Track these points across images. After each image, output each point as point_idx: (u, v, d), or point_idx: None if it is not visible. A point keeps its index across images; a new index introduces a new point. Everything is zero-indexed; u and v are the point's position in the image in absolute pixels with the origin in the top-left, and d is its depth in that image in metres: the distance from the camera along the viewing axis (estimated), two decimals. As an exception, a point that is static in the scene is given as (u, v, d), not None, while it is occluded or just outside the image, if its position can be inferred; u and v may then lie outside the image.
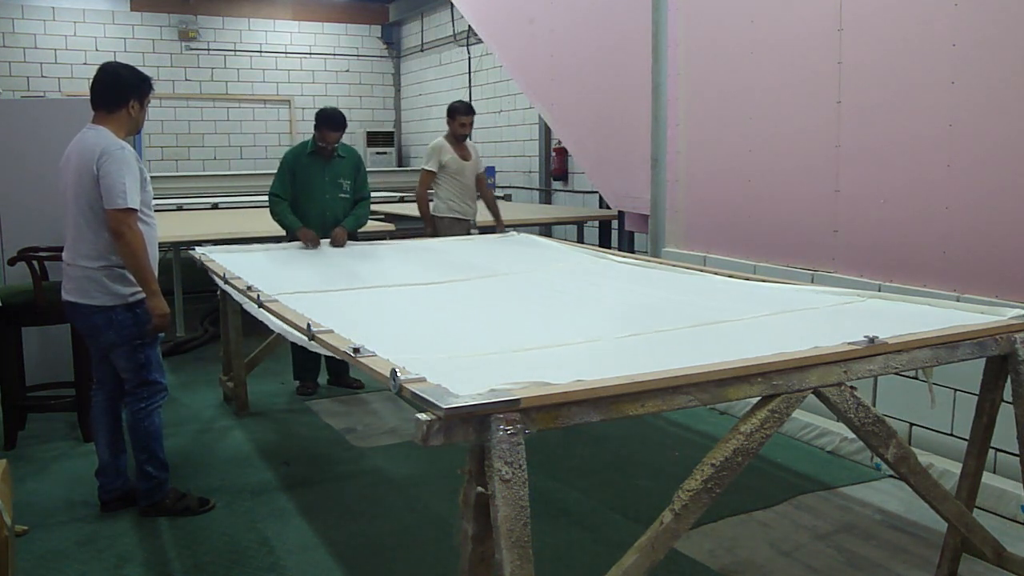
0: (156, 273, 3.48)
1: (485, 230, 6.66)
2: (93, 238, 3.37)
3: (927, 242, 3.91)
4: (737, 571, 3.09)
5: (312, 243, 5.03)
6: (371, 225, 7.22)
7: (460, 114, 6.06)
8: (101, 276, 3.39)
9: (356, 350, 2.31)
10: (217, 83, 12.59)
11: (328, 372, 5.55)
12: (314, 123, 5.19)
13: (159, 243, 3.64)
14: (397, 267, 4.45)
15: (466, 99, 11.48)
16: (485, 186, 6.34)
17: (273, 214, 5.25)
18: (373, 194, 9.69)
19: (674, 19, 5.34)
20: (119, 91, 3.43)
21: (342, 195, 5.25)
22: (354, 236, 5.33)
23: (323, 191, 5.18)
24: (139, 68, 3.56)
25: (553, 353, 2.52)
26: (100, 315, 3.42)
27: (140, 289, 3.41)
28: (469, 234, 6.01)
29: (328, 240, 5.09)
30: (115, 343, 3.46)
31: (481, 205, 6.37)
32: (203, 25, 12.44)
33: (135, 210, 3.32)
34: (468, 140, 6.21)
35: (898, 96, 4.00)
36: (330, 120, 5.12)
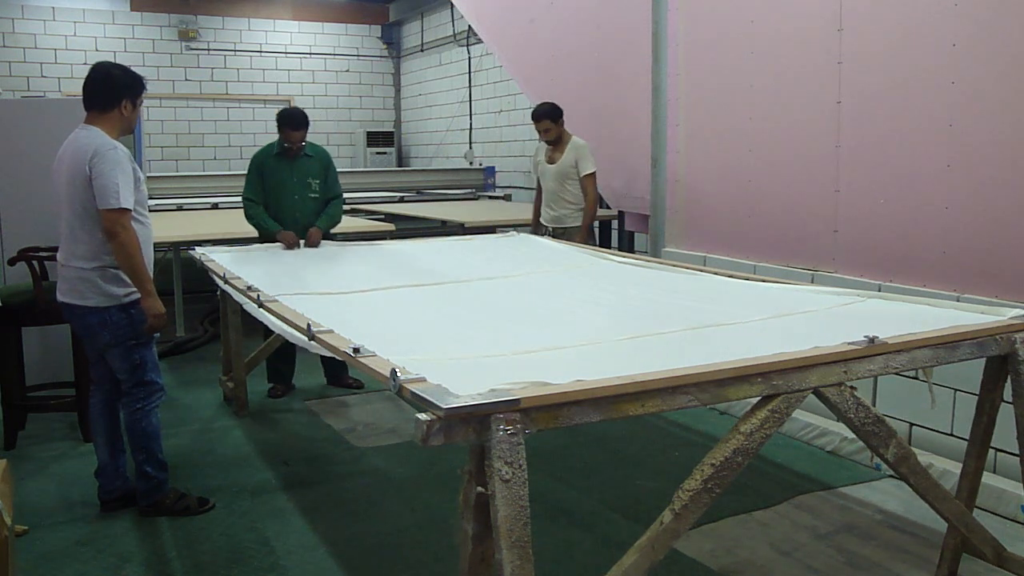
0: (152, 273, 3.48)
1: (486, 230, 6.67)
2: (87, 239, 3.36)
3: (927, 242, 3.91)
4: (737, 571, 3.09)
5: (293, 245, 5.03)
6: (371, 225, 7.24)
7: (533, 119, 5.85)
8: (95, 277, 3.38)
9: (356, 350, 2.31)
10: (217, 83, 12.59)
11: (325, 374, 5.54)
12: (276, 124, 5.15)
13: (155, 243, 3.63)
14: (397, 267, 4.45)
15: (464, 98, 11.51)
16: (589, 189, 5.75)
17: (248, 218, 5.23)
18: (373, 194, 9.73)
19: (674, 19, 5.34)
20: (112, 91, 3.41)
21: (312, 195, 5.20)
22: (328, 235, 5.28)
23: (292, 191, 5.15)
24: (133, 68, 3.54)
25: (553, 353, 2.52)
26: (95, 316, 3.41)
27: (135, 289, 3.39)
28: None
29: (303, 241, 5.08)
30: (110, 344, 3.45)
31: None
32: (203, 25, 12.44)
33: (129, 210, 3.30)
34: (573, 140, 5.79)
35: (898, 96, 4.00)
36: (290, 119, 5.09)
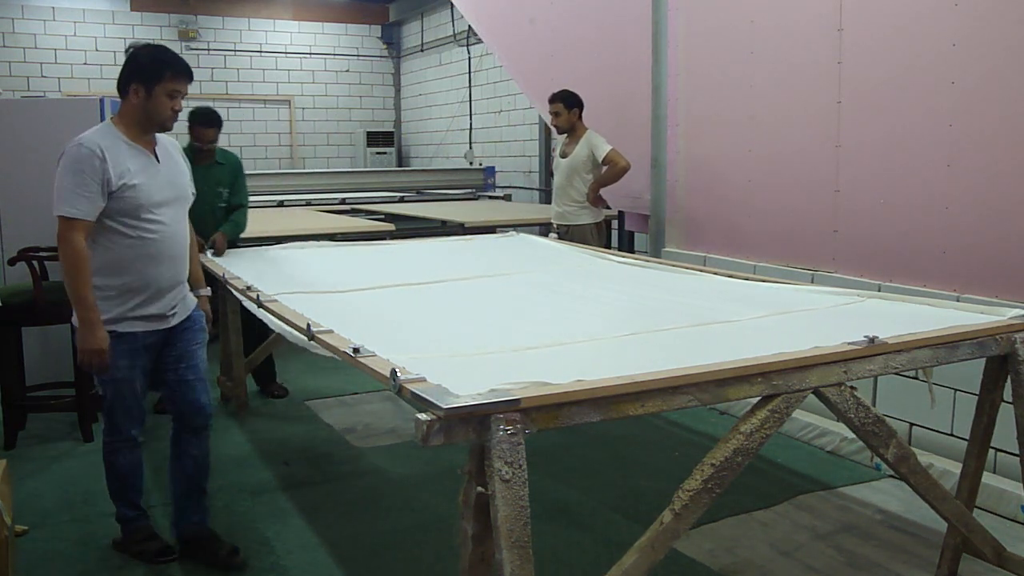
0: (158, 289, 2.98)
1: (486, 230, 6.67)
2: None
3: (927, 242, 3.91)
4: (737, 571, 3.09)
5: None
6: (371, 225, 7.23)
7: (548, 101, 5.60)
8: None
9: (356, 350, 2.31)
10: (217, 83, 12.58)
11: (256, 382, 5.40)
12: (188, 125, 4.85)
13: None
14: (398, 267, 4.45)
15: (464, 98, 11.51)
16: (616, 159, 5.37)
17: None
18: (373, 194, 9.70)
19: (674, 19, 5.34)
20: (124, 75, 2.91)
21: (221, 204, 4.99)
22: (233, 244, 4.98)
23: (203, 200, 4.40)
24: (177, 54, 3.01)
25: (553, 353, 2.52)
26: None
27: (113, 312, 2.91)
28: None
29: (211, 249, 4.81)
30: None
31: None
32: (203, 25, 12.44)
33: (73, 219, 2.77)
34: (587, 134, 5.53)
35: (898, 96, 4.00)
36: (201, 116, 4.86)
